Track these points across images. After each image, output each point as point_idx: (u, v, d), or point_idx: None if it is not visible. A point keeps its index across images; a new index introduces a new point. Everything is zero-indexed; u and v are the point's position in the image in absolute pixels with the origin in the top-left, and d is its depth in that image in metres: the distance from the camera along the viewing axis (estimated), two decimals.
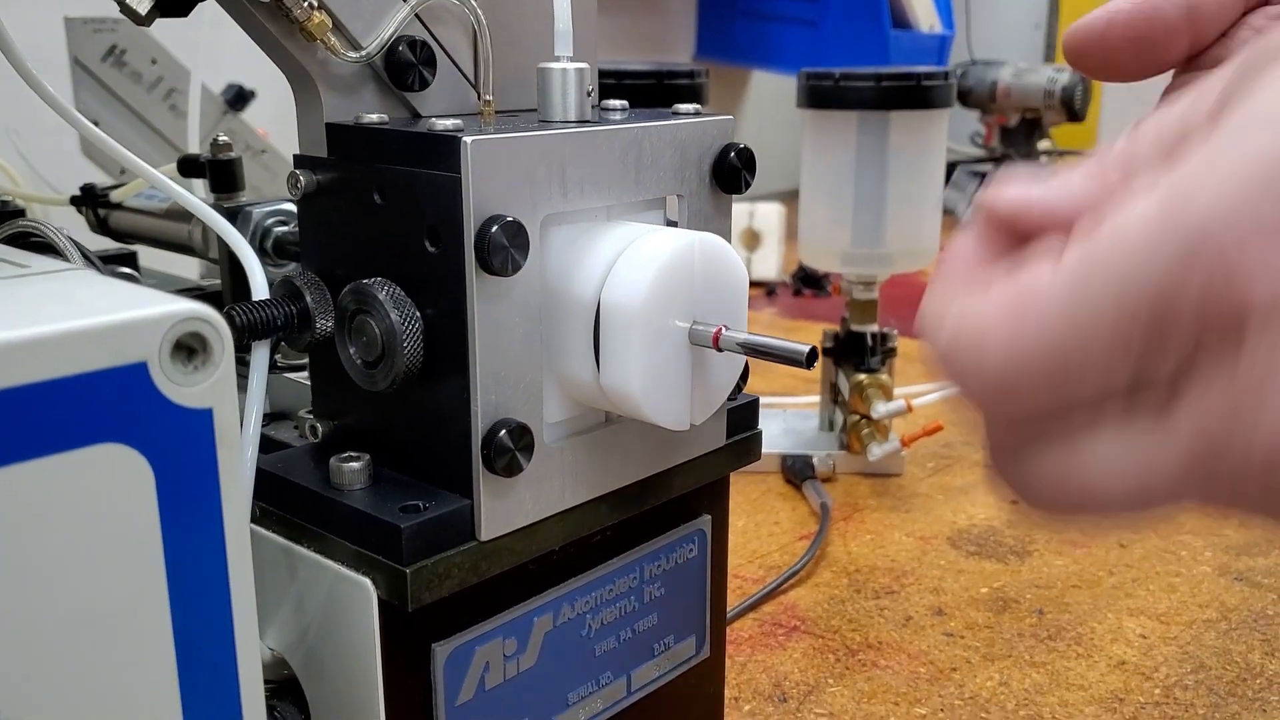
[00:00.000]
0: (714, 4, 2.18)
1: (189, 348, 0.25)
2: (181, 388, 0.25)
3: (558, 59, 0.39)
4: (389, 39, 0.38)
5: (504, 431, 0.36)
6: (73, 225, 0.65)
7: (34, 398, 0.23)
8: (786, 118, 2.66)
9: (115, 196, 0.59)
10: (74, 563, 0.24)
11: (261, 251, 0.51)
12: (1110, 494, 0.23)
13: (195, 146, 0.64)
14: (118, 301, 0.25)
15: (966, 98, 2.22)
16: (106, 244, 0.63)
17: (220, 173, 0.53)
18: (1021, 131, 2.23)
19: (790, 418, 1.04)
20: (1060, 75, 2.13)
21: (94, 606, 0.25)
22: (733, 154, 0.42)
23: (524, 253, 0.35)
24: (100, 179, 0.76)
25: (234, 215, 0.51)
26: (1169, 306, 0.21)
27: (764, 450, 0.99)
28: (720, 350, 0.37)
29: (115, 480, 0.24)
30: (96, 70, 1.02)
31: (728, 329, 0.37)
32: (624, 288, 0.36)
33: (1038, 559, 0.80)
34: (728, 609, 0.53)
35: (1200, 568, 0.78)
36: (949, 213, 2.06)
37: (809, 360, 0.35)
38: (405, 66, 0.38)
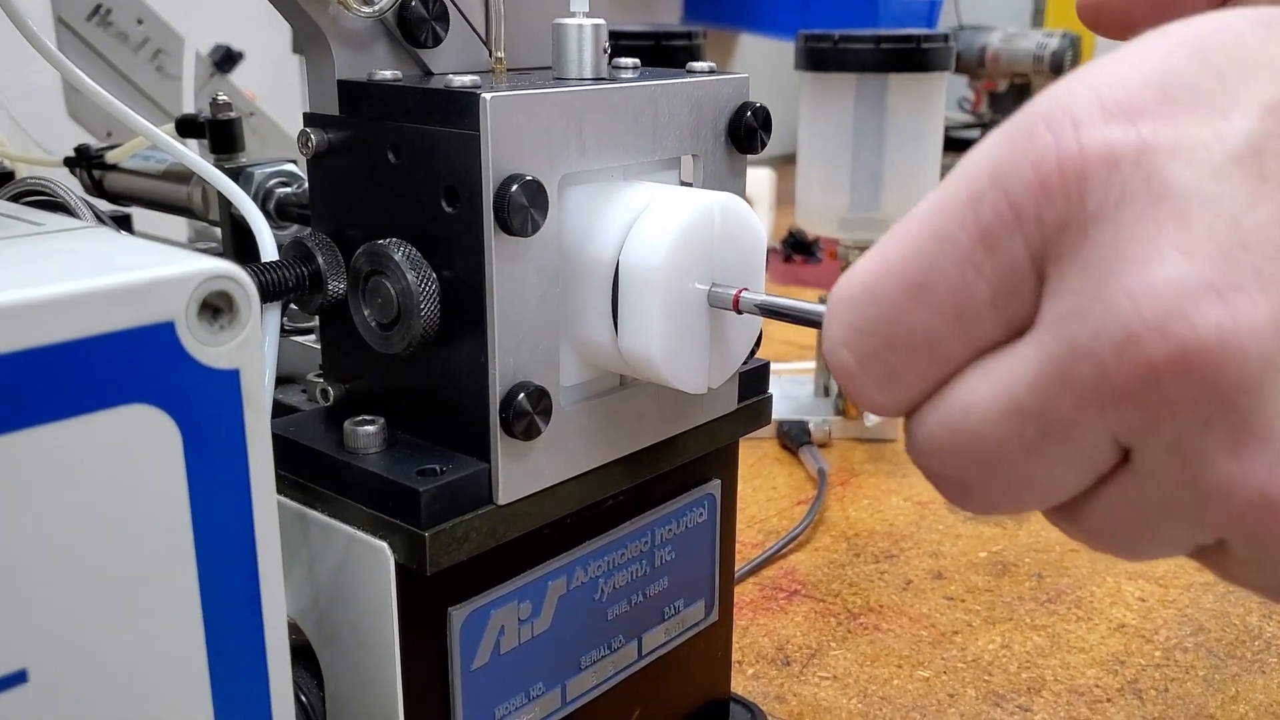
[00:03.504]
0: None
1: (215, 307, 0.25)
2: (208, 348, 0.25)
3: (573, 14, 0.38)
4: None
5: (522, 395, 0.35)
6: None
7: (60, 357, 0.22)
8: (775, 82, 2.64)
9: (111, 158, 0.58)
10: (101, 524, 0.24)
11: (264, 213, 0.51)
12: (985, 423, 0.23)
13: (187, 109, 0.63)
14: (142, 259, 0.24)
15: (955, 63, 2.21)
16: (101, 206, 0.61)
17: (220, 133, 0.53)
18: (1010, 97, 2.22)
19: (785, 384, 1.04)
20: (1050, 40, 2.12)
21: (121, 567, 0.24)
22: (749, 113, 0.41)
23: (543, 213, 0.34)
24: (87, 141, 0.75)
25: (235, 176, 0.50)
26: (1007, 185, 0.22)
27: None
28: (740, 313, 0.37)
29: (142, 442, 0.24)
30: (81, 30, 1.00)
31: (748, 291, 0.36)
32: (644, 249, 0.35)
33: (1035, 522, 0.80)
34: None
35: None
36: None
37: None
38: (418, 22, 0.38)
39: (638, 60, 0.43)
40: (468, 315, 0.35)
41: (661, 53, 0.83)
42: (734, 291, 0.36)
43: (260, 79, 1.16)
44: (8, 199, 0.34)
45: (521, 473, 0.37)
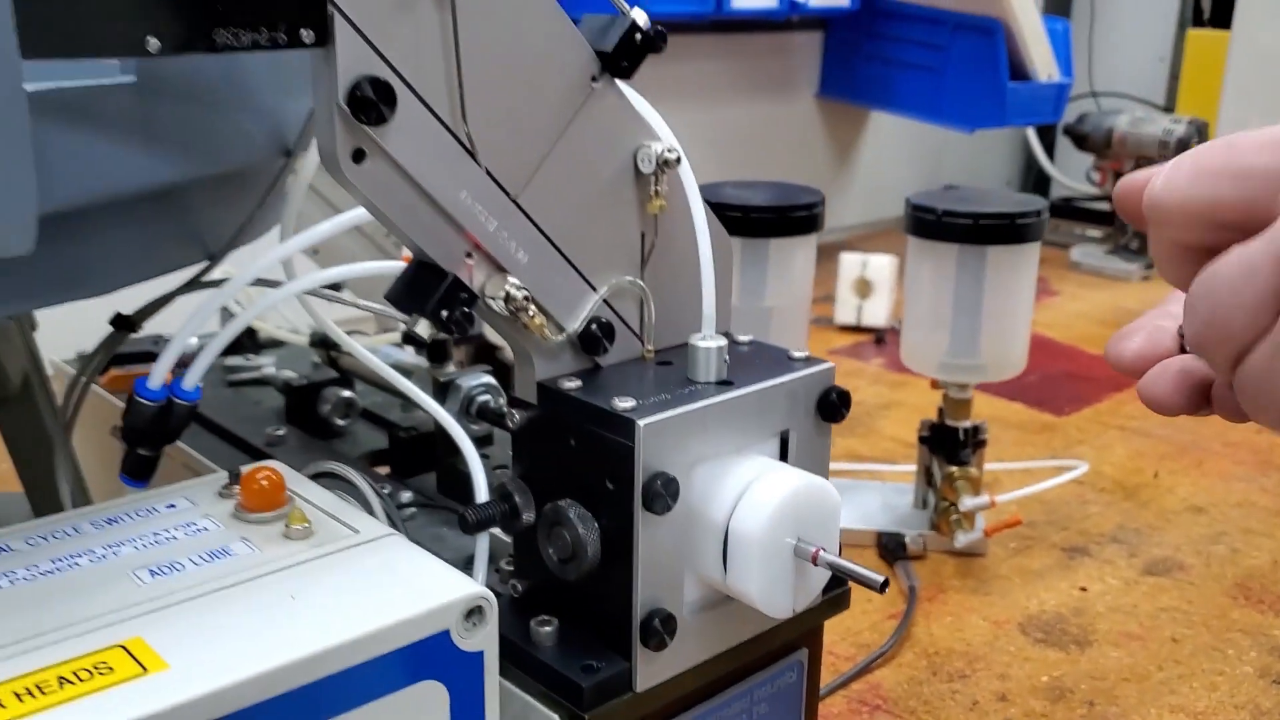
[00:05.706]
0: (839, 48, 2.28)
1: (472, 612, 0.40)
2: (466, 639, 0.40)
3: (703, 336, 0.52)
4: (583, 323, 0.52)
5: (656, 619, 0.50)
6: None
7: (385, 661, 0.37)
8: (903, 150, 2.76)
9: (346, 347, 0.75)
10: None
11: (467, 415, 0.66)
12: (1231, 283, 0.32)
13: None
14: (430, 581, 0.40)
15: (1083, 142, 2.29)
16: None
17: (435, 349, 0.69)
18: None
19: (887, 492, 1.16)
20: (1176, 126, 2.18)
21: None
22: (834, 395, 0.55)
23: (676, 498, 0.49)
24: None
25: (445, 386, 0.66)
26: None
27: (861, 525, 1.11)
28: (816, 565, 0.50)
29: (428, 704, 0.39)
30: None
31: (824, 551, 0.50)
32: (749, 520, 0.50)
33: (1096, 650, 0.91)
34: (821, 686, 0.67)
35: (1243, 668, 0.89)
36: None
37: (882, 588, 0.48)
38: (594, 340, 0.53)
39: (751, 336, 0.57)
40: (620, 559, 0.50)
41: (786, 224, 0.97)
42: (813, 550, 0.50)
43: None
44: (311, 477, 0.51)
45: (654, 669, 0.51)
